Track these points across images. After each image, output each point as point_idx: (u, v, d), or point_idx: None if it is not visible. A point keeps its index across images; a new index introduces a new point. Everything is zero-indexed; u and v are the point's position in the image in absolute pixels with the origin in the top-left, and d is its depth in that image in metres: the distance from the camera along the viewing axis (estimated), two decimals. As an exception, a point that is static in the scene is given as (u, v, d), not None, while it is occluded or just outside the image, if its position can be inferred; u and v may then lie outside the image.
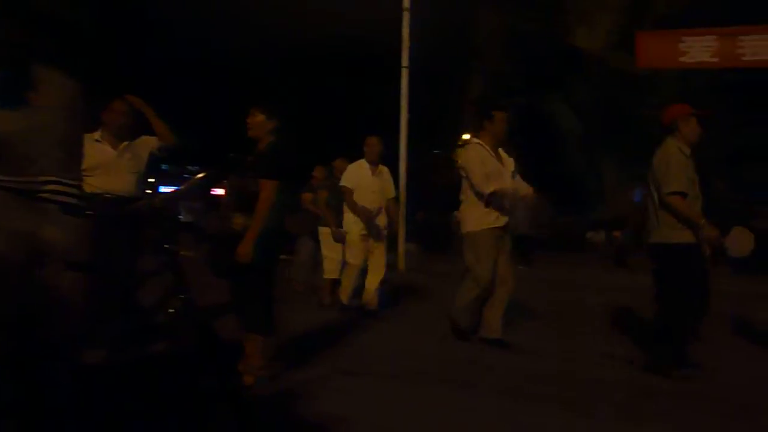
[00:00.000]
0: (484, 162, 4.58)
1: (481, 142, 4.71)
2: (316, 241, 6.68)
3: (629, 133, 22.83)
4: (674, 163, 3.86)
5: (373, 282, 5.88)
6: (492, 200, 4.53)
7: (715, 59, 7.58)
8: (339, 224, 6.29)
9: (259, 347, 3.41)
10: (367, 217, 5.75)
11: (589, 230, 16.43)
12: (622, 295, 7.64)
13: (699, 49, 7.55)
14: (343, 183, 5.89)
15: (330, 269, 6.46)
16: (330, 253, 6.46)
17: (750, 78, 14.76)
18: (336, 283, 6.39)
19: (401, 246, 10.89)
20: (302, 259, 7.13)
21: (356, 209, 5.76)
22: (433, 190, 20.75)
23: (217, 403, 2.41)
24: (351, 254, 5.89)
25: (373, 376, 3.74)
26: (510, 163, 4.78)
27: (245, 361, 3.40)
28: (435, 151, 25.96)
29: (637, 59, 7.81)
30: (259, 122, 3.58)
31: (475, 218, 4.60)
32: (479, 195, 4.55)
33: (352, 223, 5.87)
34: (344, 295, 5.92)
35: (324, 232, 6.48)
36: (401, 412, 3.10)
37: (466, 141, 31.63)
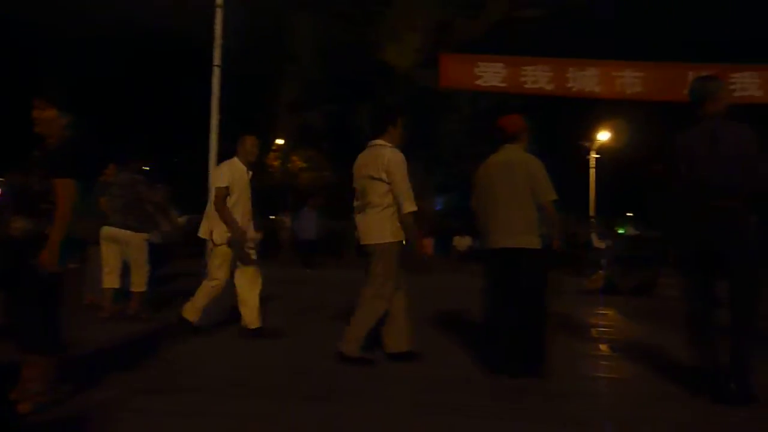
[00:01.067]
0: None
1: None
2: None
3: (433, 145, 24.64)
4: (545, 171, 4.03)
5: (254, 296, 5.21)
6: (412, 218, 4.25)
7: (503, 84, 8.47)
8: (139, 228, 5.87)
9: (40, 369, 3.00)
10: (237, 229, 5.03)
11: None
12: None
13: (491, 74, 8.41)
14: (221, 184, 5.05)
15: (112, 279, 6.01)
16: (114, 260, 6.01)
17: (531, 104, 16.76)
18: (125, 294, 5.99)
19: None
20: (94, 267, 6.47)
21: (229, 218, 5.02)
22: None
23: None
24: (218, 269, 5.09)
25: (177, 393, 3.50)
26: None
27: (21, 386, 2.97)
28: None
29: (439, 79, 8.43)
30: (49, 117, 3.16)
31: (394, 229, 4.22)
32: (400, 206, 4.19)
33: (224, 232, 5.04)
34: (196, 312, 5.14)
35: (125, 235, 5.98)
36: (206, 428, 2.95)
37: (279, 146, 31.10)
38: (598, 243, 14.42)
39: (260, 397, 3.45)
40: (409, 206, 4.17)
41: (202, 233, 5.37)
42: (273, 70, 25.40)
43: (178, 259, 12.79)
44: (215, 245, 5.12)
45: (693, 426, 3.16)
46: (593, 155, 25.89)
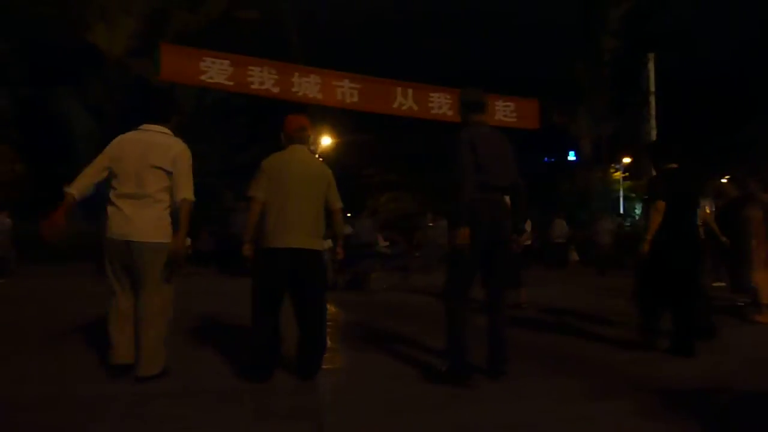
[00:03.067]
0: None
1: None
2: None
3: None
4: None
5: None
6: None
7: (230, 83, 8.32)
8: None
9: None
10: None
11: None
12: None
13: (217, 70, 8.17)
14: None
15: None
16: None
17: (254, 104, 16.88)
18: None
19: None
20: None
21: None
22: None
23: None
24: None
25: None
26: None
27: None
28: None
29: (160, 70, 7.85)
30: None
31: (169, 228, 3.88)
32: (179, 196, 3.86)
33: None
34: None
35: None
36: None
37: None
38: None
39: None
40: (192, 196, 3.90)
41: None
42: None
43: None
44: None
45: (407, 403, 3.55)
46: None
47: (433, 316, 6.41)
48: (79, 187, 3.80)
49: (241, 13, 23.61)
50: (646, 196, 5.18)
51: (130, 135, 3.98)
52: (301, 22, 23.19)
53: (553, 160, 31.86)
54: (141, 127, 4.01)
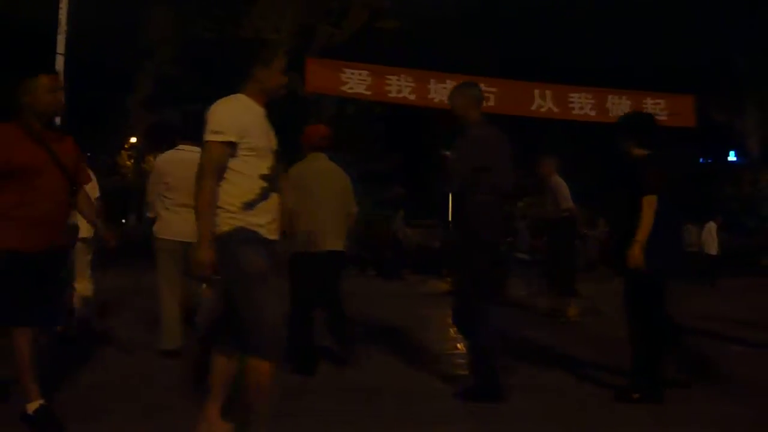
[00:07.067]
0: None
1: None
2: None
3: (295, 150, 24.48)
4: None
5: None
6: None
7: (368, 92, 8.63)
8: None
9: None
10: None
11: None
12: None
13: (356, 81, 8.51)
14: None
15: None
16: None
17: (394, 112, 17.25)
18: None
19: None
20: None
21: None
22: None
23: None
24: None
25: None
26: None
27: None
28: (88, 154, 23.80)
29: (305, 83, 8.36)
30: None
31: None
32: None
33: None
34: None
35: None
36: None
37: (133, 144, 29.21)
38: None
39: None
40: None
41: None
42: (127, 64, 23.77)
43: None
44: None
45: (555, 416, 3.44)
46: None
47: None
48: (154, 210, 4.61)
49: (383, 23, 24.34)
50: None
51: (171, 154, 4.57)
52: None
53: (710, 161, 28.84)
54: (179, 147, 4.57)
